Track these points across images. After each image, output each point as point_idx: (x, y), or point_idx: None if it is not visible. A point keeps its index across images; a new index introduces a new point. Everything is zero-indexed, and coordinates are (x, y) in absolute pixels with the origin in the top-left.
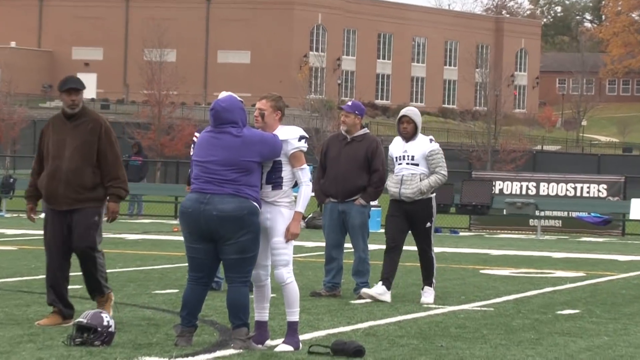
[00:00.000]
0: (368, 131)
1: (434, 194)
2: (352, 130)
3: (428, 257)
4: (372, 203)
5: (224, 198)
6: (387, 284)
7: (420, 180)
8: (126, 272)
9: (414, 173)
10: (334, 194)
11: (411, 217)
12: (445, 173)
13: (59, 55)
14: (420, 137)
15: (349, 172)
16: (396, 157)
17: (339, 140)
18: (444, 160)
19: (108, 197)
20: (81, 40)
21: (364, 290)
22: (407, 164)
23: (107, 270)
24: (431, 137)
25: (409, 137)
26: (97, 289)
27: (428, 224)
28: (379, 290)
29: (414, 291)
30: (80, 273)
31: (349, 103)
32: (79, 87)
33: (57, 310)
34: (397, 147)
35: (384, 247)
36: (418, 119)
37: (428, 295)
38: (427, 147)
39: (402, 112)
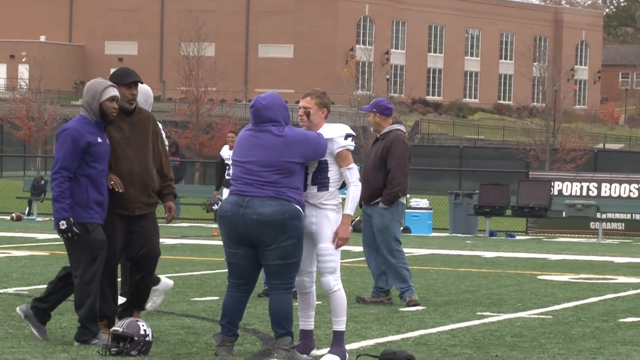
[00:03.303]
0: (396, 127)
1: None
2: (379, 129)
3: None
4: (422, 205)
5: (264, 201)
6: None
7: None
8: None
9: None
10: (362, 197)
11: None
12: None
13: (91, 50)
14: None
15: (368, 173)
16: None
17: (373, 140)
18: None
19: (163, 197)
20: (114, 35)
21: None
22: None
23: None
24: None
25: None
26: (145, 299)
27: None
28: None
29: (467, 298)
30: None
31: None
32: (140, 80)
33: (107, 323)
34: None
35: (427, 251)
36: (141, 96)
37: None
38: None
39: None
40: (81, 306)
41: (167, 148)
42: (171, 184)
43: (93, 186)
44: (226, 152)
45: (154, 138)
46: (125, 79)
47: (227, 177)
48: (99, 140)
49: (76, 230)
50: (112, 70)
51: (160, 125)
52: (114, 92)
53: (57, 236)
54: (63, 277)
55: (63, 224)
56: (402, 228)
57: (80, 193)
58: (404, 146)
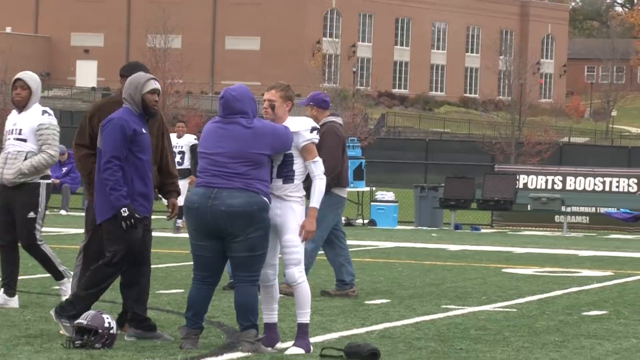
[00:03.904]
0: (331, 119)
1: (48, 180)
2: (317, 122)
3: (40, 253)
4: (387, 198)
5: (232, 193)
6: (9, 290)
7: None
8: None
9: (20, 150)
10: None
11: (12, 204)
12: (54, 153)
13: (57, 42)
14: (34, 107)
15: None
16: (6, 132)
17: None
18: (55, 137)
19: (167, 194)
20: (81, 26)
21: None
22: (15, 139)
23: None
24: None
25: (21, 106)
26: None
27: (31, 214)
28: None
29: (432, 291)
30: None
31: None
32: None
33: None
34: (9, 120)
35: (393, 244)
36: (34, 83)
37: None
38: (38, 120)
39: (17, 75)
40: (90, 287)
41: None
42: (175, 182)
43: (138, 177)
44: (173, 141)
45: (158, 136)
46: (124, 72)
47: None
48: (144, 130)
49: (138, 216)
50: (78, 62)
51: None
52: (155, 84)
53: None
54: (125, 285)
55: (125, 211)
56: (344, 220)
57: (126, 184)
58: (335, 137)
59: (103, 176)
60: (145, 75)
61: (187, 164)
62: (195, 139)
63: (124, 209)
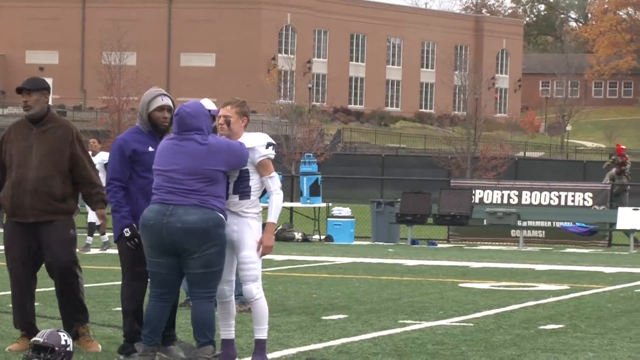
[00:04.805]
0: None
1: None
2: None
3: None
4: (344, 213)
5: (188, 209)
6: None
7: None
8: (85, 289)
9: None
10: None
11: None
12: None
13: (11, 59)
14: None
15: None
16: None
17: None
18: None
19: (94, 205)
20: (35, 44)
21: None
22: None
23: None
24: None
25: None
26: (79, 311)
27: None
28: None
29: (389, 306)
30: (50, 289)
31: None
32: (27, 87)
33: (26, 334)
34: None
35: (349, 259)
36: None
37: None
38: None
39: None
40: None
41: (90, 156)
42: (100, 191)
43: (143, 197)
44: None
45: (68, 147)
46: (24, 87)
47: None
48: (150, 149)
49: (135, 234)
50: None
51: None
52: (162, 101)
53: None
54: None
55: (127, 232)
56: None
57: (130, 204)
58: None
59: (107, 198)
60: (154, 92)
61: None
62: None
63: (126, 229)
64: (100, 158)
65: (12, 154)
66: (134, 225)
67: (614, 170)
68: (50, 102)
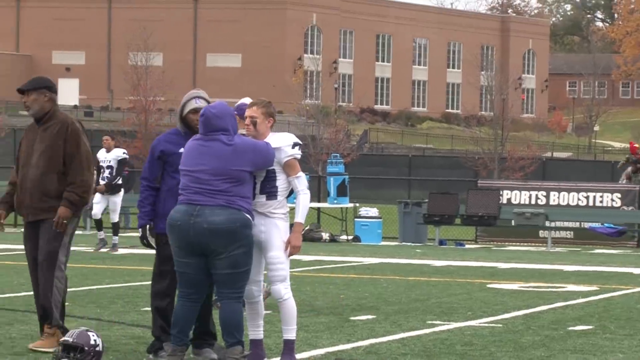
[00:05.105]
0: None
1: None
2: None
3: None
4: (371, 214)
5: (214, 210)
6: None
7: None
8: (114, 289)
9: None
10: None
11: None
12: None
13: (38, 60)
14: None
15: None
16: None
17: None
18: None
19: (62, 200)
20: (62, 44)
21: None
22: None
23: (94, 287)
24: None
25: None
26: (47, 311)
27: None
28: None
29: (418, 306)
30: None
31: None
32: (24, 87)
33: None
34: None
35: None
36: None
37: None
38: None
39: None
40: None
41: (84, 153)
42: (70, 189)
43: (172, 197)
44: (102, 155)
45: (63, 144)
46: (21, 88)
47: (100, 182)
48: (180, 150)
49: (149, 238)
50: (60, 81)
51: (80, 128)
52: (196, 103)
53: (9, 246)
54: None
55: (139, 232)
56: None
57: (159, 204)
58: None
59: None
60: (189, 94)
61: (116, 179)
62: (123, 152)
63: (140, 229)
64: (115, 154)
65: (20, 154)
66: (148, 226)
67: (629, 169)
68: (77, 103)
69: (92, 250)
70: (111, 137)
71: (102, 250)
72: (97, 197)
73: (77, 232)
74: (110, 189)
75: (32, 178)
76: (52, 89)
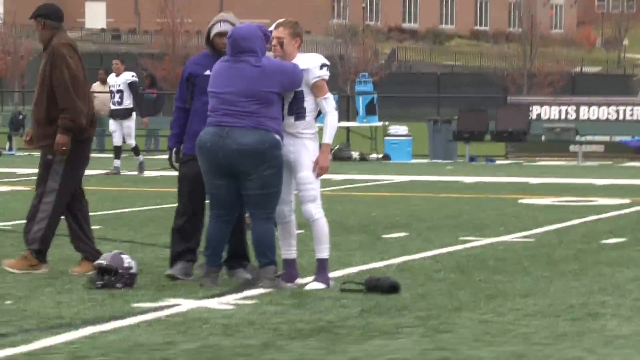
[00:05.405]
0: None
1: None
2: None
3: None
4: (401, 132)
5: (244, 131)
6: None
7: None
8: (146, 211)
9: None
10: None
11: None
12: None
13: None
14: None
15: None
16: None
17: None
18: None
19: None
20: None
21: None
22: None
23: (126, 210)
24: None
25: None
26: (27, 233)
27: None
28: None
29: (449, 223)
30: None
31: None
32: (36, 14)
33: (86, 256)
34: None
35: (407, 178)
36: None
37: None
38: None
39: None
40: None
41: (68, 77)
42: (62, 115)
43: (196, 118)
44: (112, 79)
45: (49, 68)
46: (32, 15)
47: (111, 107)
48: (207, 72)
49: (173, 161)
50: (87, 4)
51: (66, 53)
52: (221, 27)
53: (37, 170)
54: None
55: (168, 153)
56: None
57: (187, 125)
58: None
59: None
60: (216, 18)
61: (126, 103)
62: (132, 75)
63: (168, 150)
64: (124, 78)
65: None
66: (173, 150)
67: None
68: (105, 26)
69: (104, 174)
70: (121, 61)
71: (122, 174)
72: (112, 124)
73: (102, 156)
74: (121, 114)
75: (32, 107)
76: (50, 16)
